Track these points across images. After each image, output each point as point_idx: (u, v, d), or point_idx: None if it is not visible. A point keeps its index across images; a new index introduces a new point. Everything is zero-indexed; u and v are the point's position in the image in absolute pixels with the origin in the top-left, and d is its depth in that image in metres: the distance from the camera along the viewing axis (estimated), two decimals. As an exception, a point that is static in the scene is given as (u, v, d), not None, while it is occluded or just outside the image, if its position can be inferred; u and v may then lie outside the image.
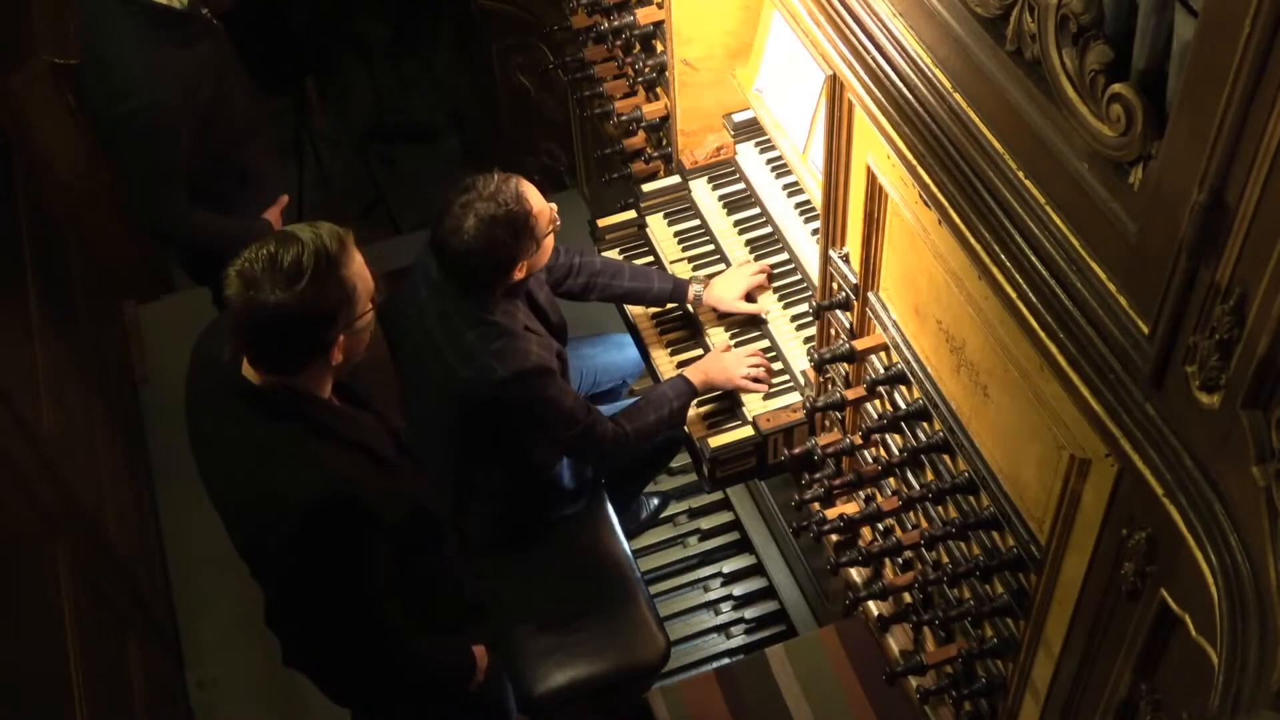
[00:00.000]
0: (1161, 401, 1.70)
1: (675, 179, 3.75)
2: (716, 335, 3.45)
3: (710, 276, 3.55)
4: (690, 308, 3.53)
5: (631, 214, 3.76)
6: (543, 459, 3.37)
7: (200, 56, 3.46)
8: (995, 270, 1.97)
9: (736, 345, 3.42)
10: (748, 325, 3.45)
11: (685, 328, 3.58)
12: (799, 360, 3.31)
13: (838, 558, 2.85)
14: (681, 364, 3.48)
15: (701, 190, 3.72)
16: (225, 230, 3.61)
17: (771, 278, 3.47)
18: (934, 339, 2.44)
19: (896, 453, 2.71)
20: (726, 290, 3.41)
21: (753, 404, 3.29)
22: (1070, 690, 2.23)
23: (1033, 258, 1.89)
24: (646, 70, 3.69)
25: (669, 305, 3.59)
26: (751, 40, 3.45)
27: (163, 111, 3.35)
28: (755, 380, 3.29)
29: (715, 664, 3.96)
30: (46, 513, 3.36)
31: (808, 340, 3.29)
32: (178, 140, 3.43)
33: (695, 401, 3.36)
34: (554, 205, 3.04)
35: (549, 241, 3.03)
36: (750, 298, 3.42)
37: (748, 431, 3.22)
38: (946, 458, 2.54)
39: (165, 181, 3.50)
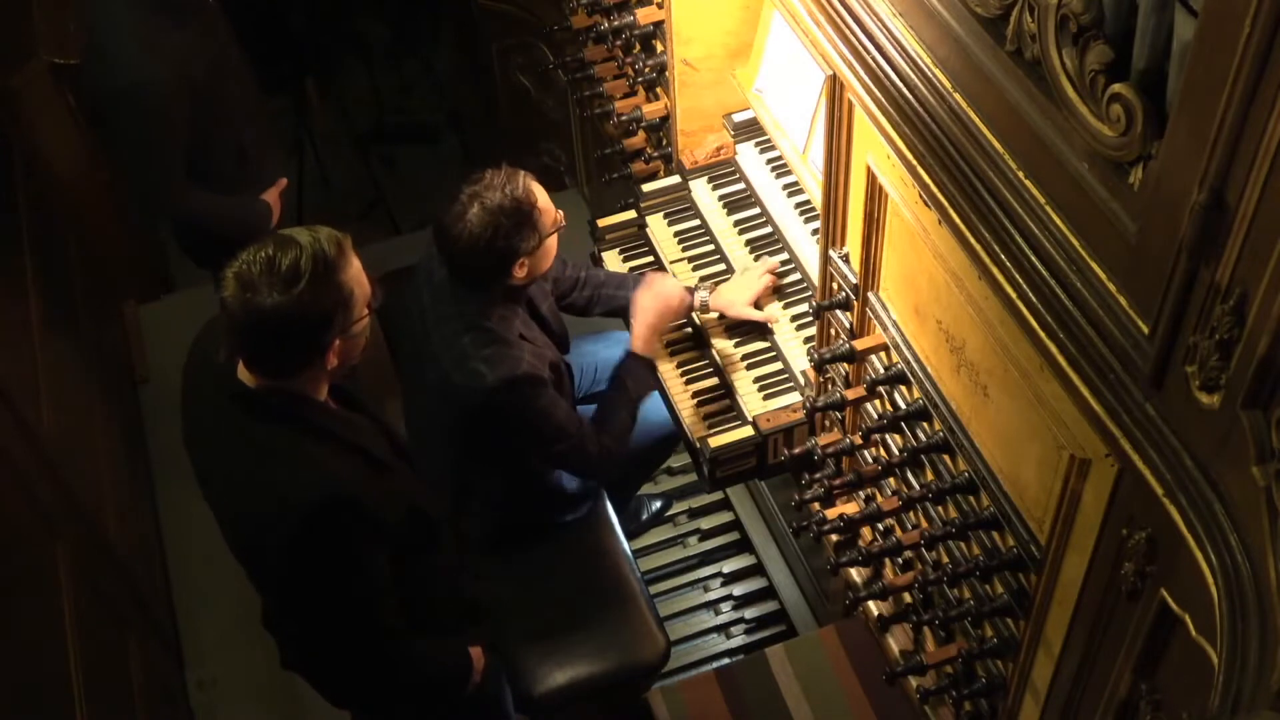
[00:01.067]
0: (1161, 401, 1.69)
1: (675, 179, 3.74)
2: (720, 340, 3.45)
3: (711, 278, 3.55)
4: (694, 315, 3.52)
5: (631, 214, 3.75)
6: (542, 463, 3.36)
7: (195, 34, 3.44)
8: (995, 270, 1.96)
9: (738, 346, 3.42)
10: (750, 326, 3.44)
11: (687, 330, 3.57)
12: (799, 360, 3.30)
13: (838, 558, 2.85)
14: (683, 366, 3.48)
15: (701, 190, 3.71)
16: (224, 210, 3.59)
17: (772, 278, 3.47)
18: (934, 339, 2.44)
19: (896, 453, 2.71)
20: (736, 295, 3.38)
21: (753, 404, 3.29)
22: (1070, 690, 2.23)
23: (1033, 258, 1.89)
24: (646, 70, 3.69)
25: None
26: (751, 40, 3.45)
27: (158, 89, 3.34)
28: (691, 291, 3.34)
29: (715, 664, 3.96)
30: (46, 513, 3.36)
31: (808, 340, 3.29)
32: (174, 119, 3.42)
33: (695, 402, 3.36)
34: (561, 212, 3.04)
35: (552, 243, 3.02)
36: (758, 304, 3.41)
37: (748, 431, 3.22)
38: (946, 458, 2.54)
39: (162, 161, 3.49)
